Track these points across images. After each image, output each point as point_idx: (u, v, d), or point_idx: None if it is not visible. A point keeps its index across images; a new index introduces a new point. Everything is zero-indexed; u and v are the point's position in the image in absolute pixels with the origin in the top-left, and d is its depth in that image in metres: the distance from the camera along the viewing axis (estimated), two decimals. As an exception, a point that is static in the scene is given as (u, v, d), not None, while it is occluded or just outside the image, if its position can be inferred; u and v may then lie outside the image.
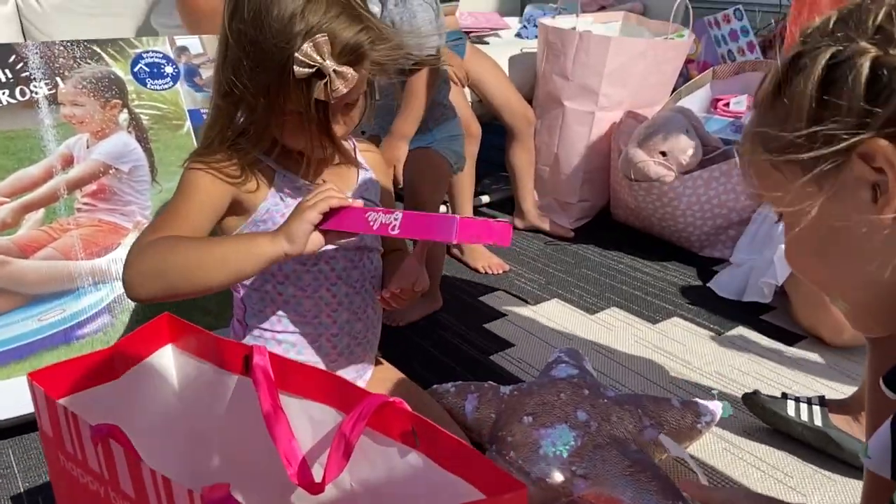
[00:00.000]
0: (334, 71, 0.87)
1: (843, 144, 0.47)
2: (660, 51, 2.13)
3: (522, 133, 2.14)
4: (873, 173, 0.47)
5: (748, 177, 0.56)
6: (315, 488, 0.76)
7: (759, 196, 0.56)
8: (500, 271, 1.97)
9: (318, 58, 0.86)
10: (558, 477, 1.04)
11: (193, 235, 0.95)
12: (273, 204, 1.01)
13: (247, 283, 1.07)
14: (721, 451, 1.25)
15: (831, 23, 0.51)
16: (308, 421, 0.81)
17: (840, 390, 1.42)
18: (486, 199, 2.45)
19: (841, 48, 0.48)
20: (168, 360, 0.91)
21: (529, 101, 2.32)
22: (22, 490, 1.18)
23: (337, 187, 0.92)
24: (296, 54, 0.86)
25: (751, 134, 0.55)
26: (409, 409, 0.69)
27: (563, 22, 2.23)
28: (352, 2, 0.91)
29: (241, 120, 0.97)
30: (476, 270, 1.98)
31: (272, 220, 1.00)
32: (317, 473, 0.78)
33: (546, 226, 2.22)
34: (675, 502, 0.97)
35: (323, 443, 0.79)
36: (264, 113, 0.94)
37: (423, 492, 0.69)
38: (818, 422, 1.22)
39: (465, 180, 1.96)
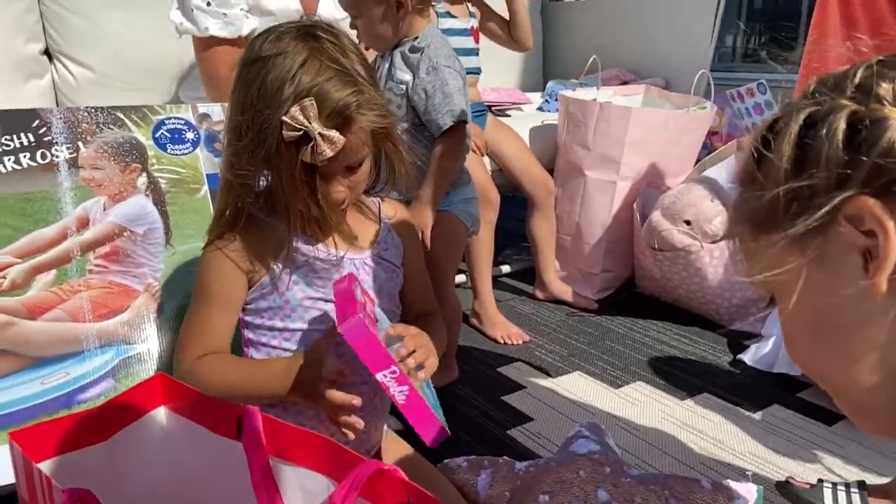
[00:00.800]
0: (320, 134, 0.88)
1: (826, 206, 0.43)
2: (682, 122, 2.12)
3: (543, 202, 2.12)
4: (862, 237, 0.43)
5: (739, 262, 0.53)
6: None
7: (751, 280, 0.52)
8: (520, 341, 1.91)
9: (304, 120, 0.88)
10: (578, 564, 0.95)
11: (225, 339, 1.03)
12: (286, 273, 1.02)
13: (251, 335, 1.05)
14: (757, 539, 1.15)
15: (811, 87, 0.49)
16: (300, 491, 0.75)
17: (882, 471, 1.31)
18: (506, 269, 2.41)
19: (818, 107, 0.45)
20: (160, 421, 0.87)
21: (550, 172, 2.31)
22: (8, 564, 1.11)
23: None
24: (283, 118, 0.88)
25: (734, 211, 0.52)
26: (405, 478, 0.64)
27: (584, 94, 2.24)
28: (348, 66, 0.92)
29: (254, 187, 1.00)
30: (495, 340, 1.92)
31: (282, 284, 1.01)
32: None
33: (568, 297, 2.16)
34: None
35: None
36: (273, 178, 0.96)
37: None
38: None
39: (483, 248, 1.93)
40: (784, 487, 1.18)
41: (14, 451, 0.72)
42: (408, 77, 1.53)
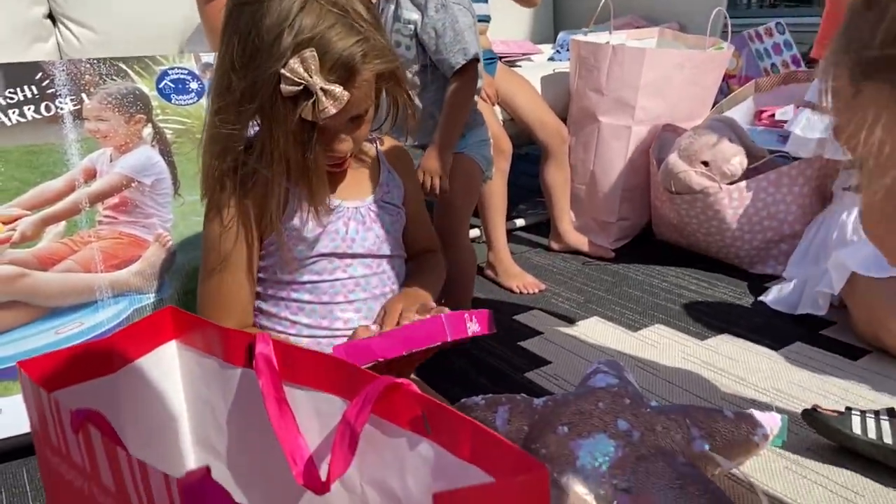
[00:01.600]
0: (322, 89, 0.80)
1: None
2: (697, 62, 2.06)
3: (556, 151, 2.08)
4: None
5: (829, 109, 0.44)
6: (320, 488, 0.68)
7: (839, 133, 0.43)
8: (536, 290, 1.88)
9: (305, 74, 0.79)
10: (597, 491, 0.93)
11: (248, 307, 1.00)
12: (293, 225, 0.98)
13: (260, 288, 1.03)
14: (782, 469, 1.13)
15: None
16: (315, 414, 0.74)
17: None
18: (520, 222, 2.38)
19: None
20: (171, 356, 0.85)
21: (563, 121, 2.26)
22: (30, 509, 1.12)
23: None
24: (282, 70, 0.79)
25: (834, 52, 0.42)
26: (418, 391, 0.62)
27: (596, 38, 2.18)
28: (350, 11, 0.84)
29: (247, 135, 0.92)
30: (510, 290, 1.89)
31: (295, 235, 0.99)
32: (324, 471, 0.70)
33: (584, 247, 2.13)
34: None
35: (331, 437, 0.72)
36: (264, 130, 0.88)
37: (438, 485, 0.61)
38: (889, 438, 1.08)
39: (497, 198, 1.90)
40: (810, 416, 1.15)
41: (23, 381, 0.71)
42: (416, 16, 1.49)
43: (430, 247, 1.13)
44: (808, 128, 1.75)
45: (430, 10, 1.47)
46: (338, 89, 0.81)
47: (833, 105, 0.42)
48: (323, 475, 0.69)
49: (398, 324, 0.94)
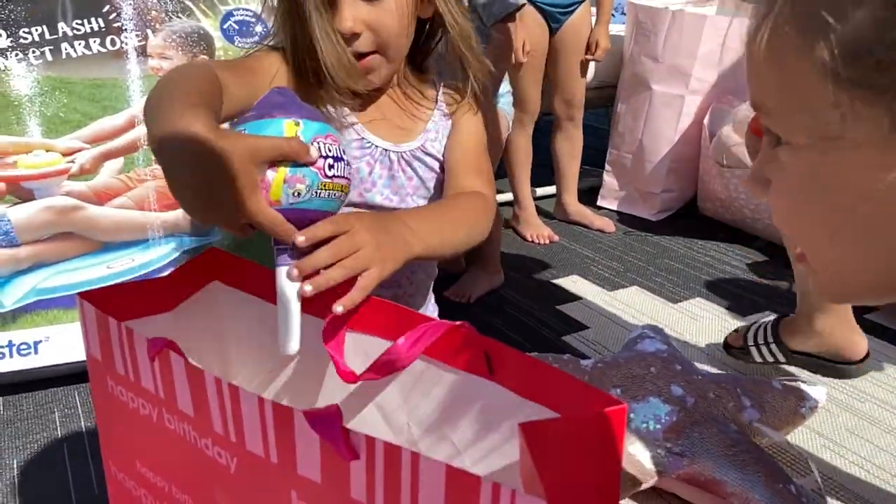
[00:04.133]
0: None
1: None
2: (759, 34, 2.00)
3: (564, 122, 2.04)
4: None
5: (759, 68, 0.36)
6: (349, 377, 0.64)
7: (759, 108, 0.38)
8: (548, 241, 1.97)
9: None
10: (651, 454, 0.94)
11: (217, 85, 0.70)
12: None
13: None
14: (820, 447, 1.13)
15: None
16: (363, 357, 0.73)
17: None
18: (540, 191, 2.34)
19: None
20: (216, 294, 0.85)
21: (614, 87, 2.22)
22: (84, 430, 1.17)
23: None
24: None
25: (817, 28, 0.33)
26: (477, 332, 0.61)
27: (655, 2, 2.13)
28: None
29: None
30: (524, 238, 1.99)
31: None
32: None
33: (586, 219, 2.10)
34: (786, 485, 0.86)
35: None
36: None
37: (502, 427, 0.61)
38: (781, 357, 1.33)
39: (522, 154, 1.96)
40: (727, 350, 1.38)
41: (86, 311, 0.70)
42: None
43: (475, 186, 0.87)
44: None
45: None
46: None
47: (770, 71, 0.37)
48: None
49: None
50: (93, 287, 0.75)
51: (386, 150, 0.84)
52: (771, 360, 1.34)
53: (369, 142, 0.83)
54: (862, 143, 0.33)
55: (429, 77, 0.87)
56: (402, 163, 0.85)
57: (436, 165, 0.87)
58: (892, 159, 0.32)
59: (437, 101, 0.88)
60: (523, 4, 1.61)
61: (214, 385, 0.55)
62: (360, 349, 0.72)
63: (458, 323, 0.62)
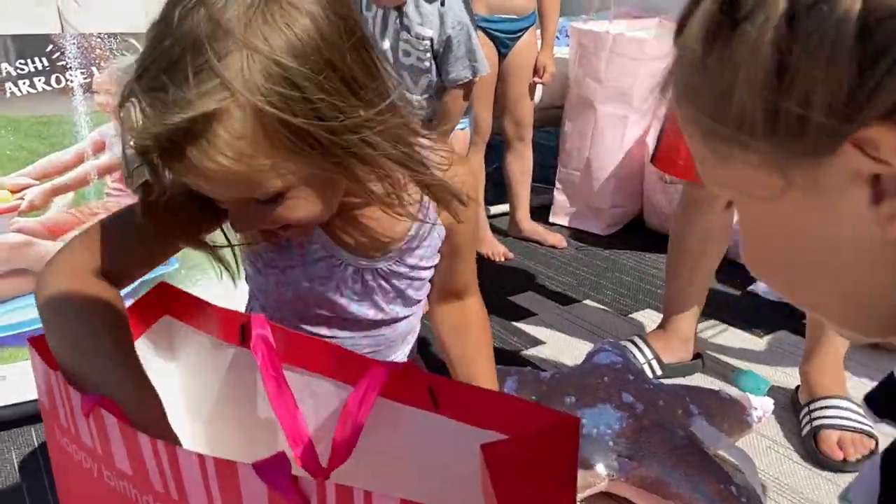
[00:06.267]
0: (124, 154, 0.58)
1: (821, 131, 0.30)
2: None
3: (514, 142, 2.09)
4: (874, 164, 0.30)
5: (688, 137, 0.36)
6: (320, 474, 0.65)
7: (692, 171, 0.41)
8: (503, 259, 2.02)
9: (121, 127, 0.57)
10: (601, 458, 0.98)
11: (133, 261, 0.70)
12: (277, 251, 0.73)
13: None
14: (765, 448, 1.18)
15: None
16: (310, 397, 0.72)
17: None
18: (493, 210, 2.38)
19: None
20: (165, 331, 0.84)
21: (560, 108, 2.29)
22: (43, 470, 1.16)
23: None
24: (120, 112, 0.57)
25: (682, 87, 0.35)
26: (421, 369, 0.62)
27: (596, 26, 2.21)
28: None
29: None
30: (480, 257, 2.01)
31: (275, 265, 0.74)
32: (322, 455, 0.70)
33: (538, 236, 2.16)
34: (727, 486, 0.91)
35: (328, 421, 0.72)
36: None
37: (452, 457, 0.62)
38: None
39: (476, 174, 2.00)
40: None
41: (33, 357, 0.66)
42: (429, 33, 1.56)
43: (467, 288, 0.82)
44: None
45: (448, 27, 1.56)
46: (134, 163, 0.56)
47: (690, 139, 0.37)
48: (322, 461, 0.68)
49: None
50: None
51: (358, 269, 0.72)
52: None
53: (339, 260, 0.71)
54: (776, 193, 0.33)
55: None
56: (378, 279, 0.74)
57: (419, 274, 0.76)
58: (817, 202, 0.33)
59: (420, 202, 0.69)
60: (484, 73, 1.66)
61: (150, 446, 0.52)
62: (306, 389, 0.69)
63: (400, 363, 0.62)
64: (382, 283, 0.74)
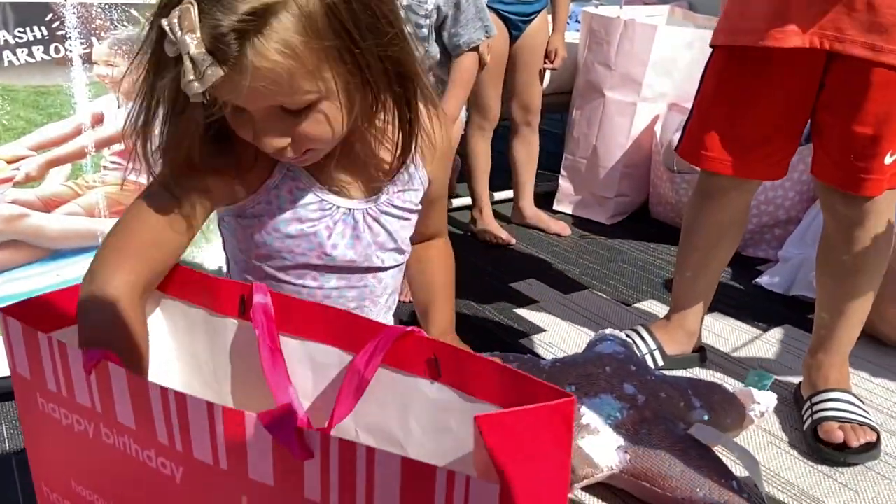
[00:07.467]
0: (190, 56, 0.59)
1: None
2: (708, 42, 2.05)
3: (522, 127, 2.07)
4: None
5: None
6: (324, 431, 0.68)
7: None
8: (505, 244, 2.00)
9: (178, 32, 0.59)
10: (601, 449, 0.96)
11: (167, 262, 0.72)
12: (266, 201, 0.75)
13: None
14: (766, 444, 1.16)
15: None
16: (310, 364, 0.71)
17: (892, 388, 1.32)
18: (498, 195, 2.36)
19: None
20: (156, 307, 0.82)
21: (569, 93, 2.26)
22: (8, 450, 1.14)
23: None
24: (162, 22, 0.59)
25: None
26: (426, 336, 0.61)
27: (608, 12, 2.17)
28: None
29: None
30: (484, 241, 2.02)
31: (262, 215, 0.76)
32: (318, 420, 0.69)
33: (541, 223, 2.13)
34: (728, 480, 0.89)
35: (328, 389, 0.71)
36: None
37: (451, 427, 0.61)
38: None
39: (481, 158, 1.99)
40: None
41: (10, 326, 0.63)
42: None
43: (438, 232, 0.90)
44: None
45: None
46: (206, 61, 0.59)
47: None
48: (319, 423, 0.67)
49: None
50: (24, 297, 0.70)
51: (350, 209, 0.76)
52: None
53: (329, 203, 0.75)
54: None
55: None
56: (367, 220, 0.77)
57: (407, 215, 0.80)
58: None
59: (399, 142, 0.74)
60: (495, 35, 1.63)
61: (159, 395, 0.52)
62: (306, 356, 0.70)
63: (407, 329, 0.62)
64: (373, 223, 0.78)
